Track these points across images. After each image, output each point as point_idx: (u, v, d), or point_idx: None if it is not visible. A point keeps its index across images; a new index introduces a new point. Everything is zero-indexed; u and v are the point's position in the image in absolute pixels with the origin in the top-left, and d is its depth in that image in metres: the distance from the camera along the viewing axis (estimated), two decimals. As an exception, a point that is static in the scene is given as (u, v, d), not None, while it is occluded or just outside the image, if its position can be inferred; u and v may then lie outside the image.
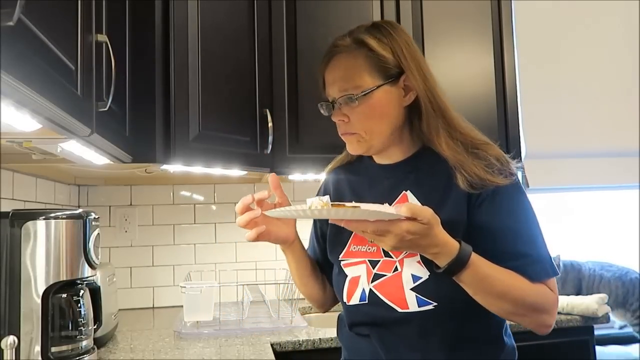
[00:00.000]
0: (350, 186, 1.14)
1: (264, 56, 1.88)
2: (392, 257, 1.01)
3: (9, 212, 1.13)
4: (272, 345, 1.54)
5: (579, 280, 2.16)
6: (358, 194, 1.12)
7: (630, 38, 2.71)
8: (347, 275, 1.06)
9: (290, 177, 2.04)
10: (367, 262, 1.04)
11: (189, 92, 1.55)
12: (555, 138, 2.58)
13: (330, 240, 1.13)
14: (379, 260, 1.02)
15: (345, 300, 1.07)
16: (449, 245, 0.88)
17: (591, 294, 2.06)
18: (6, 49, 0.57)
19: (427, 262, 0.94)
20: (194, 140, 1.56)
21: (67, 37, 0.84)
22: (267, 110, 1.82)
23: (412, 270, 0.98)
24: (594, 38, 2.65)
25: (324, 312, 1.27)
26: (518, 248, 0.95)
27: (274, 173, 1.09)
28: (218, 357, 1.43)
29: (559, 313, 1.78)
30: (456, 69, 2.08)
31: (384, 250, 1.01)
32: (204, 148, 1.60)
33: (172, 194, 2.24)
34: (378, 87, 1.01)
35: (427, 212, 0.85)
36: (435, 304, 0.96)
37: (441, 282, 0.93)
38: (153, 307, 2.18)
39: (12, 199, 1.52)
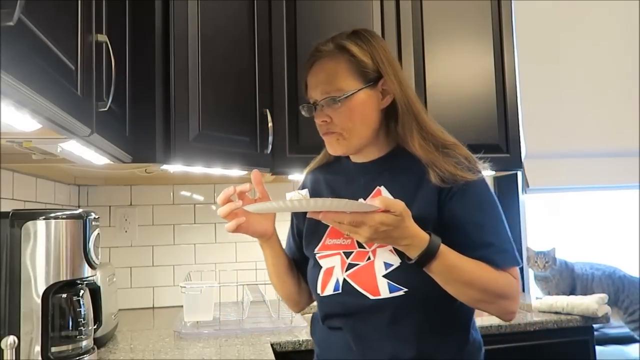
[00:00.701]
0: (328, 184, 1.19)
1: (264, 56, 1.88)
2: (365, 248, 1.06)
3: (9, 212, 1.13)
4: (272, 345, 1.54)
5: (572, 280, 2.18)
6: (335, 191, 1.16)
7: (630, 38, 2.70)
8: (321, 267, 1.11)
9: (290, 177, 2.04)
10: (342, 253, 1.09)
11: (189, 92, 1.54)
12: (555, 138, 2.57)
13: (306, 236, 1.17)
14: (353, 251, 1.07)
15: (319, 291, 1.10)
16: (419, 237, 0.93)
17: (586, 293, 2.06)
18: (6, 49, 0.57)
19: (398, 250, 0.99)
20: (194, 140, 1.56)
21: (67, 37, 0.84)
22: (267, 110, 1.82)
23: (385, 258, 1.03)
24: (594, 38, 2.65)
25: (298, 311, 1.32)
26: (485, 238, 1.01)
27: (256, 170, 1.14)
28: (218, 357, 1.43)
29: (559, 313, 1.80)
30: (456, 69, 2.08)
31: (358, 242, 1.07)
32: (204, 148, 1.60)
33: (172, 194, 2.24)
34: (359, 90, 1.06)
35: (399, 205, 0.90)
36: (405, 289, 1.00)
37: (412, 269, 0.97)
38: (153, 307, 2.18)
39: (12, 199, 1.52)
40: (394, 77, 1.08)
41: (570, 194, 2.67)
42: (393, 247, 1.01)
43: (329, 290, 1.08)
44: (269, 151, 1.82)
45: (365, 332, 1.04)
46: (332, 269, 1.08)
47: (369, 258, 1.05)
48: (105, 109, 1.03)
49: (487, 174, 1.09)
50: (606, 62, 2.65)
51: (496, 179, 2.55)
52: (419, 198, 1.03)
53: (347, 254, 1.08)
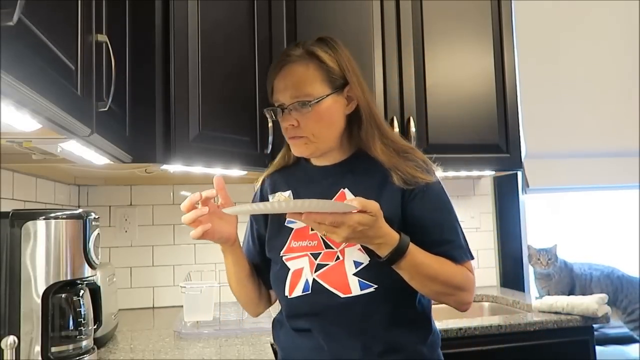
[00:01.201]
0: (289, 186, 1.21)
1: (264, 56, 1.88)
2: (332, 248, 1.09)
3: (9, 212, 1.13)
4: (272, 345, 1.54)
5: (571, 279, 2.18)
6: (297, 192, 1.18)
7: (630, 38, 2.70)
8: (289, 269, 1.12)
9: (290, 177, 2.04)
10: (309, 254, 1.10)
11: (189, 92, 1.54)
12: (555, 138, 2.57)
13: (269, 239, 1.18)
14: (321, 252, 1.10)
15: (287, 293, 1.11)
16: (390, 236, 0.97)
17: (584, 294, 2.07)
18: (6, 49, 0.57)
19: (367, 249, 1.02)
20: (194, 140, 1.56)
21: (67, 37, 0.84)
22: (267, 110, 1.82)
23: (354, 257, 1.07)
24: (594, 38, 2.65)
25: (256, 315, 1.32)
26: (444, 236, 1.08)
27: (219, 175, 1.13)
28: (218, 357, 1.43)
29: (559, 313, 1.80)
30: (456, 69, 2.08)
31: (324, 243, 1.10)
32: (204, 148, 1.60)
33: (172, 194, 2.24)
34: (327, 95, 1.11)
35: (375, 205, 0.94)
36: (375, 286, 1.05)
37: (379, 266, 1.01)
38: (153, 307, 2.18)
39: (12, 199, 1.52)
40: (358, 85, 1.13)
41: (571, 194, 2.68)
42: (361, 246, 1.04)
43: (297, 292, 1.09)
44: (269, 151, 1.81)
45: (336, 330, 1.07)
46: (301, 270, 1.10)
47: (337, 258, 1.08)
48: (105, 109, 1.03)
49: (440, 174, 1.15)
50: (606, 62, 2.65)
51: (496, 179, 2.55)
52: (383, 199, 1.05)
53: (315, 255, 1.10)
